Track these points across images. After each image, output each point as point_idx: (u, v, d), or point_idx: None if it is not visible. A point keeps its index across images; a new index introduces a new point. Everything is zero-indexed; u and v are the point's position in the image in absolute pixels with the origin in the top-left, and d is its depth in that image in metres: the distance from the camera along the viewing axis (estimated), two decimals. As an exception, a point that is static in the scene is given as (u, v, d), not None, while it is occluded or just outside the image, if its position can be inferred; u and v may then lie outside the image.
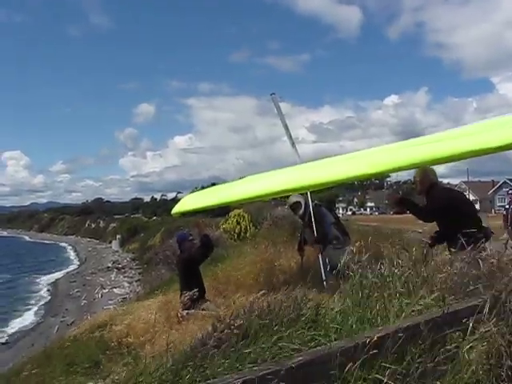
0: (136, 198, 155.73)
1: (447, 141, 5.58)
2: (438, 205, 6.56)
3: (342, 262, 7.56)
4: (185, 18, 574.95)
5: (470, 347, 3.02)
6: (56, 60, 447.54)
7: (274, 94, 9.32)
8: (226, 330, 3.03)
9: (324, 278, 7.35)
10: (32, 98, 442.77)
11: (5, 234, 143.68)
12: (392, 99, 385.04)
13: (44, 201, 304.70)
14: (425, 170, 6.84)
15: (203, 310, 7.56)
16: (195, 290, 7.23)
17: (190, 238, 8.85)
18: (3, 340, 24.79)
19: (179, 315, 7.61)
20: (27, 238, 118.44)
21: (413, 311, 3.23)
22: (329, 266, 7.70)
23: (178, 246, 8.98)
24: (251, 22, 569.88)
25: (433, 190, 6.78)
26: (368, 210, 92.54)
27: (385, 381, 2.69)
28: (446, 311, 3.16)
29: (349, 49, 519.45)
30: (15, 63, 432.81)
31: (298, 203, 8.44)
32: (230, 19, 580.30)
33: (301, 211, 8.39)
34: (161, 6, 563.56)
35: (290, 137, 9.04)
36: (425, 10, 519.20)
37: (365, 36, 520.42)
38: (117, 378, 3.64)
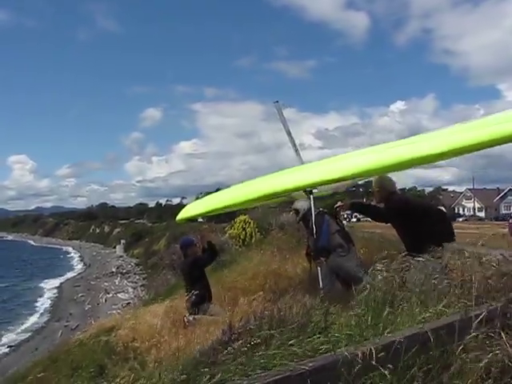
0: (141, 203, 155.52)
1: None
2: (396, 209, 6.75)
3: (347, 268, 7.63)
4: (193, 23, 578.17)
5: (480, 355, 3.01)
6: (63, 64, 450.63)
7: (277, 101, 9.33)
8: (235, 336, 3.03)
9: (321, 285, 7.28)
10: (38, 102, 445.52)
11: (10, 238, 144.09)
12: (398, 105, 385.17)
13: (49, 205, 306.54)
14: (382, 180, 7.09)
15: (210, 314, 7.56)
16: (196, 292, 7.23)
17: (195, 243, 8.85)
18: (7, 343, 24.83)
19: (185, 320, 7.60)
20: (32, 243, 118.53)
21: (423, 318, 3.22)
22: (334, 274, 7.68)
23: (182, 251, 8.98)
24: (259, 27, 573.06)
25: (391, 198, 7.00)
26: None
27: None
28: (455, 319, 3.15)
29: (355, 55, 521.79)
30: (23, 67, 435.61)
31: (301, 209, 8.37)
32: (238, 25, 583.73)
33: (298, 217, 8.36)
34: (169, 11, 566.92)
35: (293, 145, 9.04)
36: (433, 17, 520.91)
37: (372, 42, 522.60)
38: (123, 382, 3.64)
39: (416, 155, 5.04)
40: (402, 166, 5.57)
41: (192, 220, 10.04)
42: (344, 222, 11.02)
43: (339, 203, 7.78)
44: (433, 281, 3.92)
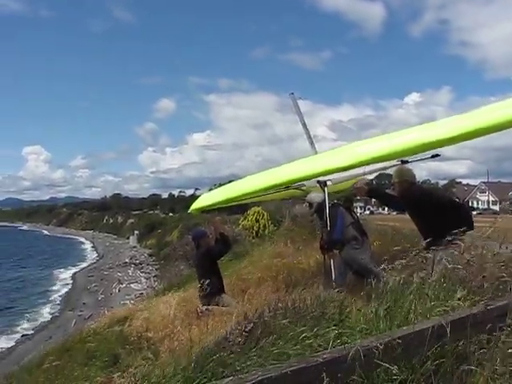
0: (154, 194, 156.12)
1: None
2: (416, 199, 6.72)
3: (361, 261, 7.60)
4: (208, 14, 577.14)
5: (496, 349, 2.99)
6: (78, 54, 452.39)
7: (292, 93, 9.30)
8: (250, 327, 3.03)
9: (334, 277, 7.26)
10: (52, 93, 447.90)
11: (24, 227, 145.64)
12: (413, 97, 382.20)
13: (63, 195, 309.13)
14: (401, 172, 7.06)
15: (223, 305, 7.58)
16: (208, 283, 7.25)
17: (208, 234, 8.88)
18: (22, 332, 25.11)
19: (198, 311, 7.63)
20: (46, 232, 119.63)
21: (439, 311, 3.21)
22: (347, 266, 7.65)
23: (194, 242, 8.99)
24: (274, 18, 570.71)
25: (412, 189, 6.95)
26: (386, 209, 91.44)
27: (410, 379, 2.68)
28: (471, 313, 3.12)
29: (370, 46, 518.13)
30: (37, 57, 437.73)
31: (316, 201, 8.33)
32: (253, 16, 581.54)
33: (313, 209, 8.30)
34: (183, 2, 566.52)
35: (309, 137, 9.00)
36: (449, 8, 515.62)
37: (387, 33, 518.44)
38: (137, 371, 3.66)
39: (426, 140, 5.00)
40: (409, 151, 5.52)
41: (205, 211, 10.06)
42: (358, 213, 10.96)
43: (357, 184, 7.75)
44: (449, 273, 3.89)
